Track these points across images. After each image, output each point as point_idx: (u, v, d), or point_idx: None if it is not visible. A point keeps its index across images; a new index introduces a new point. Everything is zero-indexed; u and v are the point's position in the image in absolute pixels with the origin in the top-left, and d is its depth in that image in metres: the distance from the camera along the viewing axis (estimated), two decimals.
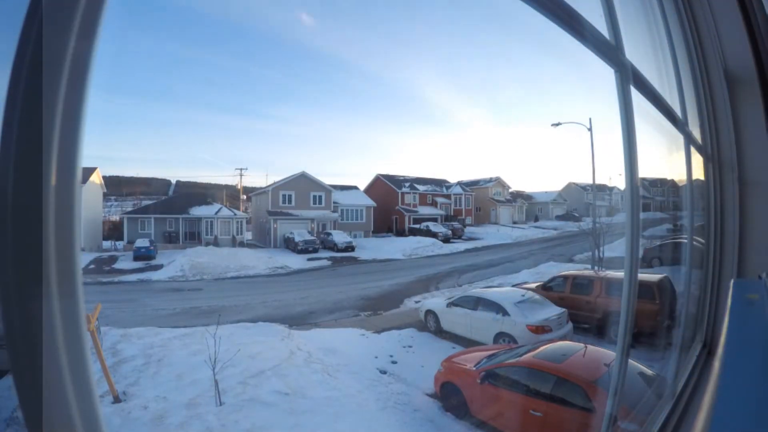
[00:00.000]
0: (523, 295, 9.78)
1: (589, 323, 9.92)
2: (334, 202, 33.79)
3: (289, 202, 31.63)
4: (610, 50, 1.64)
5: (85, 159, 0.54)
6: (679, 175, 3.29)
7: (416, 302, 13.40)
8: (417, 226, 35.09)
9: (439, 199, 42.42)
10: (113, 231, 31.37)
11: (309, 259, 24.09)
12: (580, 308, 10.17)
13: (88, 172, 27.50)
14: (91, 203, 28.34)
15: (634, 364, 4.90)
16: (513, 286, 12.92)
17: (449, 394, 6.76)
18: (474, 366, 6.66)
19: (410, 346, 9.61)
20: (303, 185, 32.31)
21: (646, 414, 2.44)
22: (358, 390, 7.21)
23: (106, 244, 29.23)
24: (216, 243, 27.69)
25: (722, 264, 2.84)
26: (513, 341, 8.68)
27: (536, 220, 49.23)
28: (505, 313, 9.16)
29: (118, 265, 21.47)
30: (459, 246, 29.23)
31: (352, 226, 33.74)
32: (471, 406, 6.38)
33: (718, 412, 0.55)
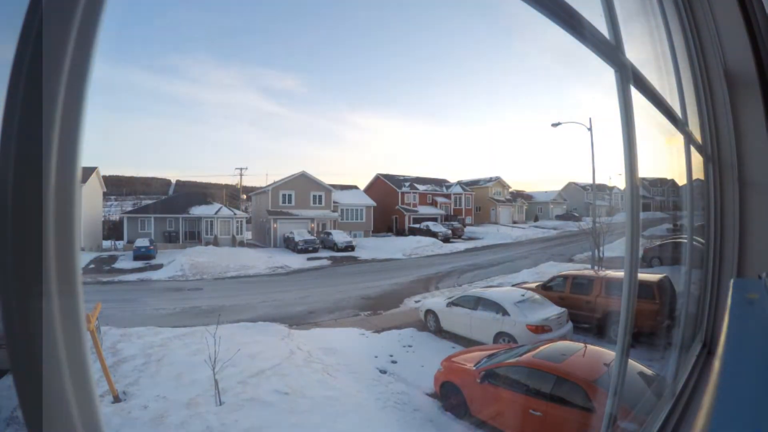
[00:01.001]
0: (523, 295, 9.78)
1: (589, 323, 9.93)
2: (334, 202, 33.80)
3: (289, 201, 31.63)
4: (610, 50, 1.63)
5: (85, 159, 0.54)
6: (679, 175, 3.29)
7: (416, 302, 13.41)
8: (417, 225, 35.10)
9: (439, 199, 42.43)
10: (113, 230, 31.40)
11: (309, 259, 24.11)
12: (580, 308, 10.18)
13: (88, 172, 27.50)
14: (91, 203, 28.35)
15: (634, 363, 4.90)
16: (513, 285, 12.93)
17: (449, 394, 6.77)
18: (474, 365, 6.67)
19: (410, 346, 9.61)
20: (303, 185, 32.31)
21: (646, 414, 2.44)
22: (358, 389, 7.22)
23: (106, 243, 29.26)
24: (216, 243, 27.70)
25: (722, 264, 2.84)
26: (513, 341, 8.68)
27: (536, 219, 49.23)
28: (505, 312, 9.16)
29: (118, 265, 21.48)
30: (459, 246, 29.24)
31: (352, 226, 33.75)
32: (471, 405, 6.38)
33: (718, 411, 0.55)
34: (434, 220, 38.19)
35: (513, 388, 5.95)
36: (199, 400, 6.52)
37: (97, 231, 30.10)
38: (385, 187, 40.16)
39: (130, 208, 34.59)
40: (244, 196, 39.28)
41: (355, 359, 8.67)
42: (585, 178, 54.71)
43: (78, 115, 0.51)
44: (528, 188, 54.80)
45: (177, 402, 6.48)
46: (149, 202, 33.55)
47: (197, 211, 29.60)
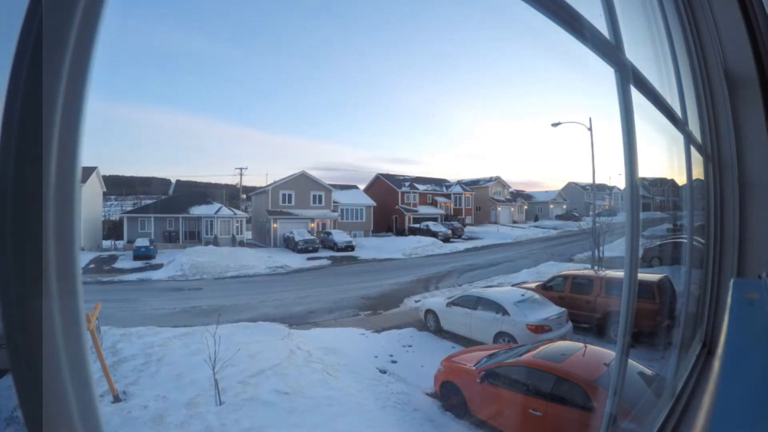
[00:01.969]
0: (522, 295, 9.78)
1: (588, 323, 9.93)
2: (334, 202, 33.79)
3: (289, 201, 31.63)
4: (610, 50, 1.63)
5: (85, 159, 0.54)
6: (679, 175, 3.30)
7: (416, 302, 13.41)
8: (417, 225, 35.11)
9: (439, 199, 42.44)
10: (113, 230, 31.40)
11: (309, 259, 24.11)
12: (580, 308, 10.18)
13: (88, 171, 27.49)
14: (91, 203, 28.34)
15: (634, 363, 4.90)
16: (513, 285, 12.93)
17: (449, 394, 6.77)
18: (474, 365, 6.67)
19: (410, 346, 9.61)
20: (303, 184, 32.31)
21: (646, 414, 2.44)
22: (358, 389, 7.22)
23: (106, 243, 29.25)
24: (216, 242, 27.69)
25: (722, 263, 2.84)
26: (513, 341, 8.68)
27: (536, 219, 49.24)
28: (504, 312, 9.16)
29: (117, 265, 21.48)
30: (459, 245, 29.24)
31: (352, 226, 33.75)
32: (471, 405, 6.38)
33: (718, 411, 0.55)
34: (434, 219, 38.19)
35: (513, 388, 5.96)
36: (199, 400, 6.52)
37: (97, 231, 30.10)
38: (385, 187, 40.17)
39: (130, 208, 34.58)
40: (244, 196, 39.29)
41: (355, 359, 8.67)
42: (585, 178, 54.77)
43: (78, 115, 0.51)
44: (528, 188, 54.86)
45: (177, 402, 6.48)
46: (149, 201, 33.54)
47: (197, 210, 29.60)
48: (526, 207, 49.99)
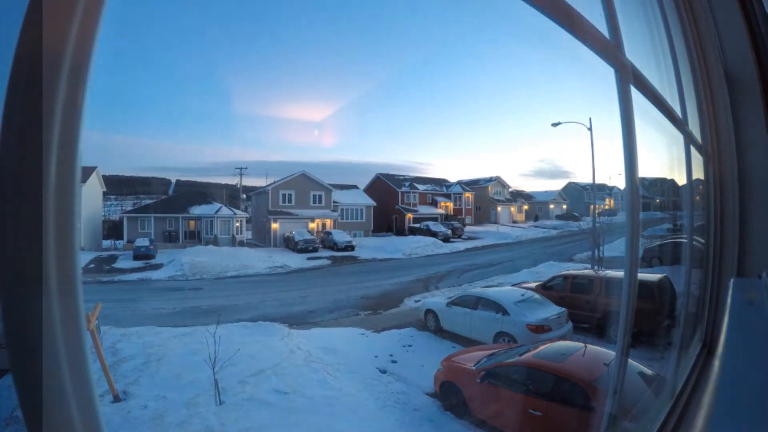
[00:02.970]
0: (522, 295, 9.78)
1: (588, 323, 9.93)
2: (334, 202, 33.79)
3: (289, 201, 31.63)
4: (610, 50, 1.63)
5: (85, 158, 0.54)
6: (679, 174, 3.30)
7: (416, 301, 13.41)
8: (417, 225, 35.11)
9: (439, 199, 42.44)
10: (113, 230, 31.39)
11: (309, 259, 24.10)
12: (580, 308, 10.18)
13: (88, 171, 27.48)
14: (91, 203, 28.34)
15: (634, 363, 4.90)
16: (513, 285, 12.93)
17: (449, 394, 6.77)
18: (473, 365, 6.67)
19: (410, 346, 9.62)
20: (303, 184, 32.31)
21: (646, 413, 2.44)
22: (358, 389, 7.22)
23: (106, 243, 29.25)
24: (216, 242, 27.69)
25: (722, 263, 2.84)
26: (513, 340, 8.69)
27: (536, 219, 49.25)
28: (504, 312, 9.16)
29: (117, 265, 21.49)
30: (459, 245, 29.25)
31: (352, 226, 33.75)
32: (470, 405, 6.38)
33: (718, 411, 0.55)
34: (434, 219, 38.20)
35: (513, 387, 5.96)
36: (198, 400, 6.53)
37: (97, 231, 30.10)
38: (385, 187, 40.17)
39: (130, 208, 34.57)
40: (244, 196, 39.28)
41: (355, 359, 8.67)
42: (585, 178, 54.79)
43: (78, 115, 0.51)
44: (528, 188, 54.88)
45: (177, 401, 6.48)
46: (149, 201, 33.54)
47: (197, 210, 29.61)
48: (526, 207, 50.00)
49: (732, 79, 2.58)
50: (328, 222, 32.12)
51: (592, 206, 37.96)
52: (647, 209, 37.99)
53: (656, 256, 16.55)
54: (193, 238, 28.79)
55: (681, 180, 3.33)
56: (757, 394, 0.59)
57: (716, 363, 0.67)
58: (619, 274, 9.33)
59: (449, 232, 32.75)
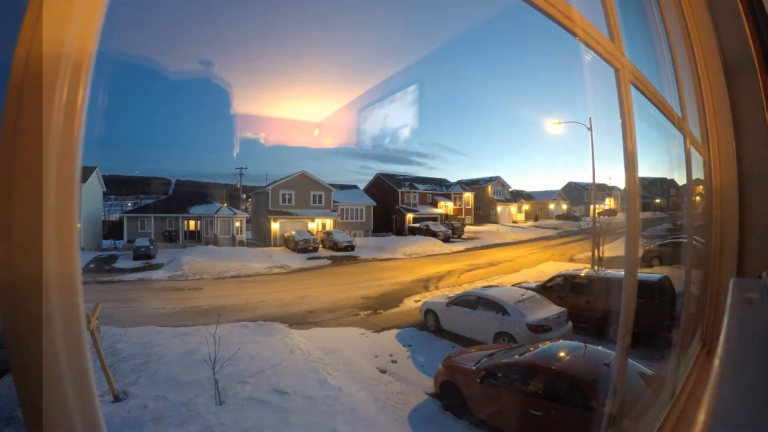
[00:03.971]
0: (522, 295, 9.78)
1: (588, 323, 9.93)
2: (334, 201, 33.79)
3: (289, 201, 31.63)
4: (609, 49, 1.63)
5: (85, 158, 0.54)
6: (678, 174, 3.30)
7: (416, 301, 13.41)
8: (417, 225, 35.11)
9: (439, 199, 42.45)
10: (113, 230, 31.39)
11: (309, 258, 24.09)
12: (579, 308, 10.18)
13: (88, 171, 27.48)
14: (91, 203, 28.33)
15: (634, 363, 4.90)
16: (513, 285, 12.93)
17: (449, 393, 6.77)
18: (473, 365, 6.67)
19: (410, 345, 9.62)
20: (303, 184, 32.31)
21: (646, 413, 2.44)
22: (358, 389, 7.22)
23: (106, 243, 29.24)
24: (216, 242, 27.70)
25: (722, 263, 2.84)
26: (513, 340, 8.69)
27: (536, 219, 49.25)
28: (504, 312, 9.16)
29: (117, 264, 21.48)
30: (459, 245, 29.24)
31: (352, 225, 33.75)
32: (470, 405, 6.38)
33: (718, 411, 0.55)
34: (434, 219, 38.20)
35: (513, 387, 5.96)
36: (198, 400, 6.53)
37: (97, 231, 30.10)
38: (385, 187, 40.17)
39: (130, 208, 34.57)
40: (244, 196, 39.28)
41: (354, 359, 8.68)
42: (585, 178, 54.79)
43: (78, 115, 0.51)
44: (528, 188, 54.87)
45: (177, 401, 6.48)
46: (149, 201, 33.52)
47: (197, 210, 29.61)
48: (526, 207, 50.00)
49: (732, 79, 2.58)
50: (328, 222, 32.12)
51: (592, 206, 37.99)
52: (647, 209, 38.02)
53: (656, 256, 16.56)
54: (193, 238, 28.79)
55: (681, 180, 3.33)
56: (757, 394, 0.59)
57: (716, 363, 0.67)
58: (619, 273, 9.32)
59: (449, 232, 32.75)
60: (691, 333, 2.96)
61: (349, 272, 20.15)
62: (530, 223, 46.53)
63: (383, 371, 8.14)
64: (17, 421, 4.96)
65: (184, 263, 19.99)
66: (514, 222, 45.96)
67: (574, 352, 6.16)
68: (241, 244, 29.09)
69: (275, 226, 29.92)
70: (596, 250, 16.92)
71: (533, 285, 11.93)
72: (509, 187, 48.97)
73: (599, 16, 1.70)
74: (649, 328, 7.98)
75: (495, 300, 9.55)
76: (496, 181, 47.03)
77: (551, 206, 51.76)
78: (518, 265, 20.22)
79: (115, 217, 35.42)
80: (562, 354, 6.19)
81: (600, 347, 6.54)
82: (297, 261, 23.11)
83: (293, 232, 27.84)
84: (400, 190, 39.23)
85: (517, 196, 50.29)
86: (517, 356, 6.46)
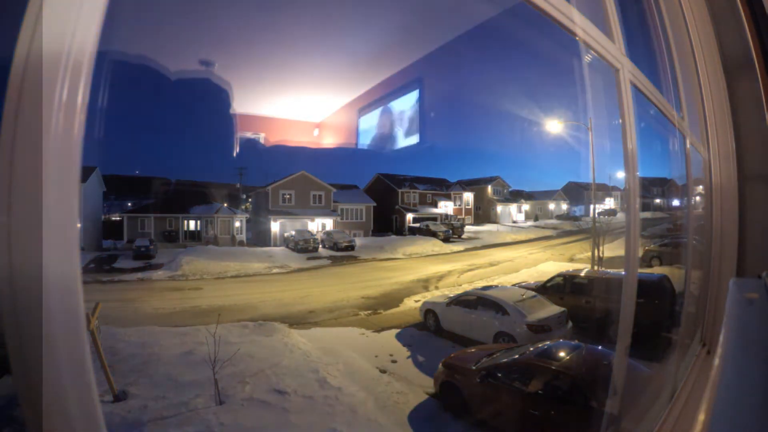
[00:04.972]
0: (522, 295, 9.78)
1: (588, 323, 9.93)
2: (334, 201, 33.80)
3: (289, 201, 31.64)
4: (609, 49, 1.64)
5: (85, 158, 0.54)
6: (678, 173, 3.30)
7: (416, 301, 13.41)
8: (417, 225, 35.11)
9: (439, 199, 42.45)
10: (113, 230, 31.37)
11: (309, 258, 24.09)
12: (580, 307, 10.18)
13: (88, 171, 27.47)
14: (91, 203, 28.32)
15: (634, 363, 4.90)
16: (513, 285, 12.93)
17: (448, 393, 6.77)
18: (473, 365, 6.67)
19: (410, 345, 9.62)
20: (303, 184, 32.31)
21: (646, 413, 2.44)
22: (358, 389, 7.22)
23: (106, 243, 29.22)
24: (216, 242, 27.69)
25: (722, 263, 2.84)
26: (512, 340, 8.69)
27: (536, 219, 49.25)
28: (504, 312, 9.16)
29: (117, 264, 21.47)
30: (459, 245, 29.24)
31: (352, 225, 33.76)
32: (470, 405, 6.38)
33: (717, 411, 0.55)
34: (434, 219, 38.21)
35: (512, 387, 5.96)
36: (198, 400, 6.53)
37: (97, 231, 30.08)
38: (385, 187, 40.17)
39: (130, 208, 34.55)
40: (244, 196, 39.28)
41: (354, 359, 8.68)
42: (585, 177, 54.75)
43: (78, 115, 0.51)
44: (527, 187, 54.87)
45: (176, 401, 6.48)
46: (149, 201, 33.50)
47: (197, 210, 29.61)
48: (526, 207, 50.00)
49: (732, 79, 2.58)
50: (329, 222, 32.12)
51: (591, 206, 38.00)
52: (647, 209, 38.02)
53: (656, 256, 16.57)
54: (193, 237, 28.79)
55: (681, 179, 3.33)
56: (757, 394, 0.59)
57: (716, 363, 0.67)
58: (619, 273, 9.32)
59: (449, 231, 32.75)
60: (691, 333, 2.97)
61: (349, 272, 20.14)
62: (530, 222, 46.53)
63: (383, 371, 8.14)
64: (17, 421, 4.96)
65: (184, 263, 19.98)
66: (514, 222, 45.96)
67: (574, 352, 6.16)
68: (241, 243, 29.10)
69: (275, 226, 29.92)
70: (596, 250, 16.91)
71: (533, 285, 11.93)
72: (509, 187, 48.98)
73: (599, 16, 1.70)
74: (649, 328, 7.98)
75: (495, 300, 9.55)
76: (496, 181, 47.04)
77: (551, 206, 51.75)
78: (518, 265, 20.22)
79: (115, 217, 35.39)
80: (562, 354, 6.19)
81: (600, 347, 6.54)
82: (297, 261, 23.11)
83: (293, 232, 27.84)
84: (400, 190, 39.24)
85: (517, 195, 50.29)
86: (517, 356, 6.46)
